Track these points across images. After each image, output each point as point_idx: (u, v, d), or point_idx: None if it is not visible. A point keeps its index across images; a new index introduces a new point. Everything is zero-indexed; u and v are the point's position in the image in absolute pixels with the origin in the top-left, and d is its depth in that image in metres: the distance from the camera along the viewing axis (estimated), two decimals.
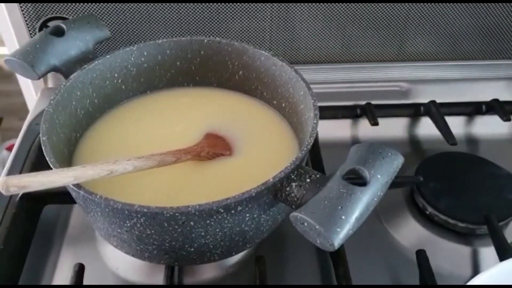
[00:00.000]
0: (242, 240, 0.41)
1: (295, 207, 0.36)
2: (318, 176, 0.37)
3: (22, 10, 0.60)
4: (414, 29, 0.66)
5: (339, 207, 0.32)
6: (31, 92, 0.68)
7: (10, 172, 0.55)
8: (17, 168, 0.55)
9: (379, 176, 0.34)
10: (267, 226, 0.42)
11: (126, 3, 0.61)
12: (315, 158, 0.56)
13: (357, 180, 0.35)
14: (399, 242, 0.50)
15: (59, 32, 0.50)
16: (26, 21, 0.61)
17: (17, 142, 0.57)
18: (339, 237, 0.31)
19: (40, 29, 0.61)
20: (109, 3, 0.60)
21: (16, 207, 0.49)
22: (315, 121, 0.41)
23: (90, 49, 0.51)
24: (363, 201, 0.32)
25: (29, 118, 0.62)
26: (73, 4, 0.60)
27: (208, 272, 0.48)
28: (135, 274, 0.47)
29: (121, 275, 0.47)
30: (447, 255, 0.49)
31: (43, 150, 0.39)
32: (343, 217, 0.31)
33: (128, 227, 0.37)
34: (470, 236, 0.50)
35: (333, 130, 0.62)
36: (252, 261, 0.46)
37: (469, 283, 0.36)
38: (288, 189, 0.37)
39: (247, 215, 0.38)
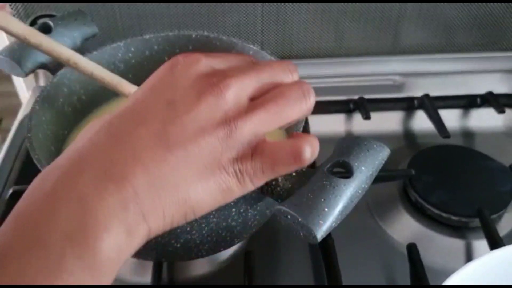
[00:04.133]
0: (229, 235, 0.40)
1: (281, 201, 0.36)
2: (304, 169, 0.36)
3: (12, 9, 0.60)
4: (408, 22, 0.66)
5: (322, 200, 0.31)
6: (25, 91, 0.68)
7: (0, 171, 0.54)
8: (7, 167, 0.54)
9: (363, 168, 0.33)
10: (255, 221, 0.41)
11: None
12: None
13: (343, 173, 0.35)
14: (392, 236, 0.50)
15: (46, 29, 0.49)
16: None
17: (8, 140, 0.57)
18: (322, 229, 0.30)
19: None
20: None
21: (6, 204, 0.49)
22: None
23: (78, 46, 0.50)
24: (346, 194, 0.32)
25: (19, 116, 0.62)
26: (63, 3, 0.59)
27: (199, 268, 0.48)
28: (125, 271, 0.47)
29: None
30: (440, 249, 0.49)
31: (28, 147, 0.38)
32: (326, 209, 0.31)
33: None
34: (463, 229, 0.50)
35: (326, 124, 0.62)
36: (243, 256, 0.45)
37: (456, 273, 0.36)
38: (274, 183, 0.36)
39: (233, 209, 0.37)
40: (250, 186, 0.27)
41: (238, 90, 0.27)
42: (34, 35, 0.40)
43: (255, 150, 0.27)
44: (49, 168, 0.25)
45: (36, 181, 0.24)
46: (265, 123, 0.27)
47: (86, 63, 0.42)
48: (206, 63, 0.27)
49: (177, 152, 0.25)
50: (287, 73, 0.29)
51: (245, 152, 0.26)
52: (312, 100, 0.28)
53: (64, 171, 0.24)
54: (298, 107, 0.28)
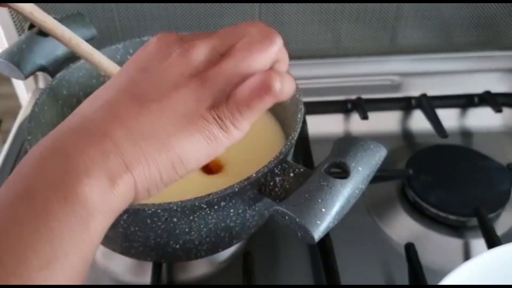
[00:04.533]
0: (228, 236, 0.40)
1: (278, 201, 0.36)
2: (301, 170, 0.37)
3: (11, 11, 0.60)
4: (405, 22, 0.66)
5: (319, 200, 0.32)
6: (24, 93, 0.68)
7: (0, 173, 0.55)
8: (7, 168, 0.55)
9: (360, 168, 0.33)
10: (253, 222, 0.42)
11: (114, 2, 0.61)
12: (304, 153, 0.56)
13: (340, 173, 0.35)
14: (390, 236, 0.50)
15: (45, 32, 0.50)
16: (14, 22, 0.61)
17: (8, 142, 0.58)
18: (319, 229, 0.31)
19: (29, 30, 0.61)
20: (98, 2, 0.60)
21: None
22: (299, 116, 0.41)
23: None
24: (343, 194, 0.32)
25: (19, 118, 0.62)
26: (62, 4, 0.60)
27: (199, 268, 0.48)
28: (125, 272, 0.47)
29: (111, 274, 0.47)
30: (438, 248, 0.49)
31: (27, 149, 0.39)
32: (323, 209, 0.31)
33: (112, 224, 0.37)
34: (461, 228, 0.50)
35: (324, 125, 0.62)
36: (242, 257, 0.46)
37: (453, 272, 0.36)
38: (272, 183, 0.37)
39: (232, 210, 0.38)
40: (235, 132, 0.28)
41: (206, 48, 0.28)
42: (39, 12, 0.41)
43: (228, 96, 0.27)
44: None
45: (27, 154, 0.26)
46: (235, 70, 0.27)
47: (86, 45, 0.42)
48: (174, 35, 0.29)
49: (152, 106, 0.26)
50: (251, 25, 0.29)
51: (220, 99, 0.27)
52: (278, 41, 0.28)
53: (51, 136, 0.26)
54: (265, 49, 0.28)
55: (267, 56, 0.28)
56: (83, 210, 0.23)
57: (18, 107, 0.67)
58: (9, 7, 0.39)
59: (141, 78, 0.27)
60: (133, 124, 0.25)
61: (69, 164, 0.24)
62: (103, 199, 0.24)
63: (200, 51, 0.28)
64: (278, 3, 0.63)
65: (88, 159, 0.24)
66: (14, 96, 0.70)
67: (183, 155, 0.26)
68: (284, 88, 0.28)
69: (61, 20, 0.50)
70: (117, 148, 0.25)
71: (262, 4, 0.63)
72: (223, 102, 0.27)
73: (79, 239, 0.23)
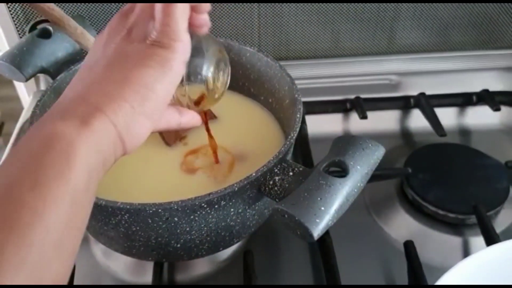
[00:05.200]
0: (228, 235, 0.41)
1: (278, 200, 0.36)
2: (301, 169, 0.37)
3: (12, 14, 0.61)
4: (403, 21, 0.66)
5: (319, 198, 0.32)
6: (26, 95, 0.69)
7: None
8: None
9: (359, 167, 0.34)
10: (253, 221, 0.42)
11: (114, 3, 0.61)
12: (304, 152, 0.56)
13: (339, 172, 0.35)
14: (389, 234, 0.51)
15: (46, 34, 0.50)
16: (16, 24, 0.61)
17: (9, 144, 0.58)
18: (319, 228, 0.31)
19: (30, 32, 0.61)
20: (98, 4, 0.61)
21: None
22: (298, 115, 0.42)
23: (78, 50, 0.51)
24: (342, 192, 0.32)
25: (21, 120, 0.62)
26: (62, 5, 0.60)
27: (199, 267, 0.48)
28: (127, 272, 0.48)
29: (112, 274, 0.48)
30: (437, 246, 0.50)
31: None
32: (322, 208, 0.32)
33: (113, 224, 0.37)
34: (460, 226, 0.51)
35: (324, 124, 0.63)
36: (243, 256, 0.46)
37: (451, 269, 0.36)
38: (271, 182, 0.37)
39: (232, 209, 0.38)
40: (177, 44, 0.30)
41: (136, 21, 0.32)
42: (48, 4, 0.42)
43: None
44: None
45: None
46: (144, 10, 0.31)
47: (90, 36, 0.43)
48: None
49: (100, 63, 0.31)
50: None
51: (149, 30, 0.31)
52: None
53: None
54: None
55: None
56: (63, 142, 0.25)
57: (20, 109, 0.67)
58: None
59: (89, 56, 0.33)
60: (95, 83, 0.29)
61: (46, 117, 0.28)
62: (79, 133, 0.26)
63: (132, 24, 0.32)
64: (277, 4, 0.63)
65: (65, 113, 0.27)
66: (16, 98, 0.70)
67: (144, 83, 0.29)
68: None
69: None
70: (83, 98, 0.28)
71: (261, 4, 0.63)
72: (149, 29, 0.30)
73: (62, 169, 0.25)
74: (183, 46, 0.31)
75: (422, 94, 0.63)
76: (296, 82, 0.46)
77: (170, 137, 0.47)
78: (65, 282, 0.25)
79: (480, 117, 0.64)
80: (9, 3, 0.60)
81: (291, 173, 0.37)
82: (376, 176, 0.46)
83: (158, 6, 0.30)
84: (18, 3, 0.60)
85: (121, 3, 0.61)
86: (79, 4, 0.61)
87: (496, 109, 0.61)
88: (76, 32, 0.43)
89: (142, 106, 0.29)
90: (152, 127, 0.30)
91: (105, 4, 0.61)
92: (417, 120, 0.63)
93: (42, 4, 0.41)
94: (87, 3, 0.61)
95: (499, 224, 0.51)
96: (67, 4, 0.60)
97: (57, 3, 0.59)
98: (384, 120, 0.64)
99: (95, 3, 0.61)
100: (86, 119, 0.27)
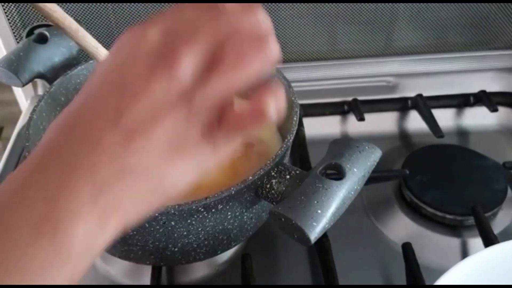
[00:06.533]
0: (226, 238, 0.41)
1: (275, 204, 0.36)
2: (298, 172, 0.37)
3: (8, 19, 0.61)
4: (400, 23, 0.67)
5: (315, 202, 0.32)
6: (24, 100, 0.69)
7: (0, 180, 0.55)
8: (7, 175, 0.55)
9: (355, 169, 0.34)
10: (251, 224, 0.42)
11: (113, 3, 0.61)
12: (302, 155, 0.56)
13: (336, 175, 0.35)
14: (387, 235, 0.51)
15: (42, 39, 0.50)
16: (12, 30, 0.61)
17: (7, 149, 0.58)
18: (315, 231, 0.31)
19: (27, 37, 0.61)
20: (95, 4, 0.61)
21: None
22: (295, 118, 0.42)
23: (74, 55, 0.51)
24: (339, 195, 0.32)
25: (19, 125, 0.62)
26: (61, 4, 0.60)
27: (198, 271, 0.48)
28: (125, 276, 0.48)
29: (111, 278, 0.48)
30: (435, 247, 0.50)
31: (26, 156, 0.39)
32: (319, 211, 0.32)
33: None
34: (458, 227, 0.51)
35: (321, 127, 0.63)
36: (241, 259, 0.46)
37: (450, 271, 0.37)
38: (268, 186, 0.37)
39: (229, 213, 0.38)
40: (225, 151, 0.26)
41: (193, 59, 0.24)
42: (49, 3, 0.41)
43: (220, 118, 0.25)
44: (17, 169, 0.25)
45: (7, 178, 0.24)
46: (224, 87, 0.25)
47: (91, 38, 0.43)
48: (153, 32, 0.25)
49: (138, 138, 0.24)
50: (247, 14, 0.26)
51: (211, 122, 0.25)
52: (272, 46, 0.25)
53: (29, 169, 0.24)
54: (257, 58, 0.25)
55: (262, 65, 0.25)
56: (64, 252, 0.22)
57: (19, 113, 0.67)
58: None
59: (122, 103, 0.24)
60: (120, 159, 0.23)
61: (53, 208, 0.22)
62: (93, 240, 0.23)
63: (187, 65, 0.24)
64: (274, 6, 0.63)
65: (77, 201, 0.22)
66: (15, 103, 0.70)
67: (173, 181, 0.25)
68: (278, 110, 0.26)
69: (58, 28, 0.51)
70: (106, 186, 0.23)
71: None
72: (215, 125, 0.25)
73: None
74: (229, 154, 0.27)
75: (420, 95, 0.63)
76: (293, 84, 0.46)
77: None
78: None
79: (478, 118, 0.64)
80: (6, 8, 0.60)
81: (288, 176, 0.37)
82: (374, 178, 0.46)
83: (238, 119, 0.25)
84: (15, 7, 0.60)
85: (118, 3, 0.61)
86: (74, 9, 0.61)
87: (494, 110, 0.61)
88: (78, 35, 0.43)
89: (158, 204, 0.26)
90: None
91: (102, 9, 0.61)
92: (415, 122, 0.63)
93: (43, 5, 0.41)
94: (85, 6, 0.61)
95: (497, 225, 0.51)
96: (64, 8, 0.60)
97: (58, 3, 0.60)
98: (382, 122, 0.64)
99: (94, 4, 0.61)
100: (104, 219, 0.23)
